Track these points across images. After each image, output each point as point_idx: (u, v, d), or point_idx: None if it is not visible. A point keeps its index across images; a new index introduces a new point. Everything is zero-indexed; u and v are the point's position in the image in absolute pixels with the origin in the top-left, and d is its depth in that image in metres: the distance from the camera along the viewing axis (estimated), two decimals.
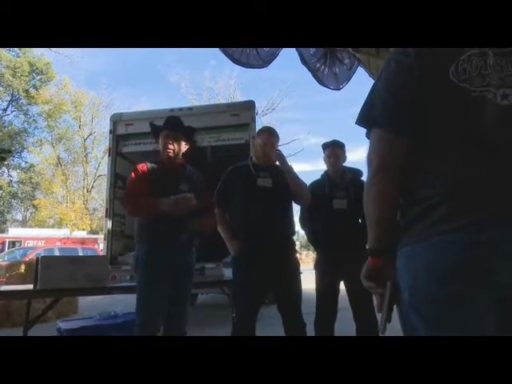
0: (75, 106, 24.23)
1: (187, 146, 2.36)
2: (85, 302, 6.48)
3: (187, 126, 2.36)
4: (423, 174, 0.88)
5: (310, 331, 2.49)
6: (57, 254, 9.30)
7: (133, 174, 2.27)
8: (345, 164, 2.83)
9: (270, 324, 3.73)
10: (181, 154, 2.31)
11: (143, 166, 2.30)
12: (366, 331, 2.53)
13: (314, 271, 2.74)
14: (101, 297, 5.67)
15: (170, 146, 2.24)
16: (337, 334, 2.68)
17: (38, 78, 22.93)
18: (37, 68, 22.40)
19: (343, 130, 35.28)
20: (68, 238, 16.33)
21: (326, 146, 2.77)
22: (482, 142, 0.83)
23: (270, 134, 2.49)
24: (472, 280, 0.77)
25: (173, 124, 2.27)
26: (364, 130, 0.98)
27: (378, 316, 0.99)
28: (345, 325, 2.82)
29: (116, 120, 5.19)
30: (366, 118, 0.94)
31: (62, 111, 23.76)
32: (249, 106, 4.92)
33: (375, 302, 0.97)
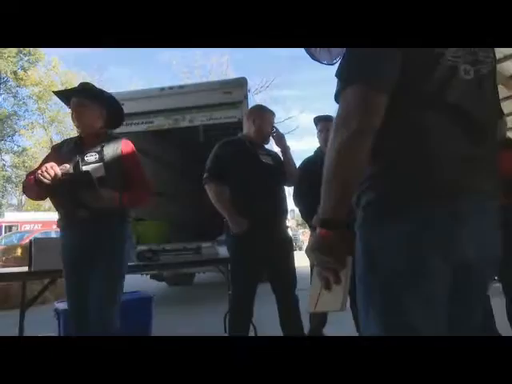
0: (65, 87, 23.77)
1: (102, 114, 2.03)
2: None
3: (99, 89, 2.11)
4: (394, 141, 0.85)
5: (303, 306, 2.54)
6: (54, 236, 9.34)
7: (47, 155, 2.06)
8: None
9: (263, 301, 3.82)
10: (94, 122, 1.99)
11: (56, 145, 2.15)
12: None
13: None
14: None
15: (76, 115, 1.97)
16: None
17: (26, 58, 22.35)
18: (24, 48, 21.82)
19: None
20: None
21: (318, 121, 2.74)
22: (457, 111, 0.82)
23: (267, 111, 2.47)
24: (435, 246, 0.80)
25: (80, 89, 2.01)
26: None
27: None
28: None
29: None
30: (348, 74, 0.85)
31: (52, 93, 23.31)
32: (241, 83, 4.84)
33: (319, 278, 0.87)
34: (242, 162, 2.31)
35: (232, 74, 20.89)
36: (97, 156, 1.96)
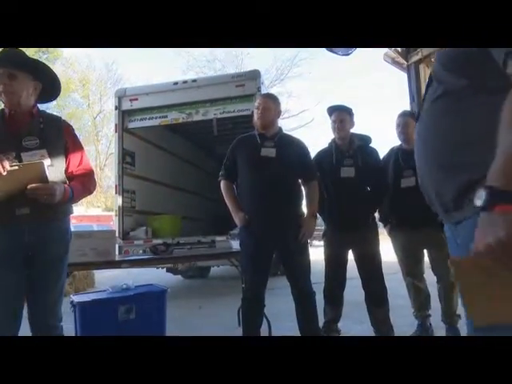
0: (83, 85, 24.12)
1: (37, 87, 1.74)
2: (101, 276, 6.67)
3: (31, 58, 1.76)
4: None
5: (320, 300, 2.51)
6: (74, 230, 9.50)
7: None
8: (354, 131, 2.74)
9: (278, 294, 3.80)
10: (27, 97, 1.69)
11: None
12: (373, 299, 2.54)
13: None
14: (117, 271, 5.82)
15: (5, 88, 1.64)
16: (346, 302, 2.69)
17: (45, 56, 22.76)
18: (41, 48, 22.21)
19: (356, 98, 34.30)
20: (84, 216, 16.65)
21: (331, 111, 2.67)
22: None
23: (264, 97, 2.42)
24: None
25: (7, 58, 1.64)
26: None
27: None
28: (354, 293, 2.84)
29: (120, 96, 5.14)
30: None
31: (70, 90, 23.68)
32: (254, 75, 4.80)
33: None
34: (246, 158, 2.34)
35: (247, 67, 20.83)
36: (37, 141, 1.67)
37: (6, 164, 1.49)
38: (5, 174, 1.49)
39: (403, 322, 2.78)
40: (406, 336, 2.49)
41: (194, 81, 5.13)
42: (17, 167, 1.52)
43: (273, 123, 2.37)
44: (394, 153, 2.72)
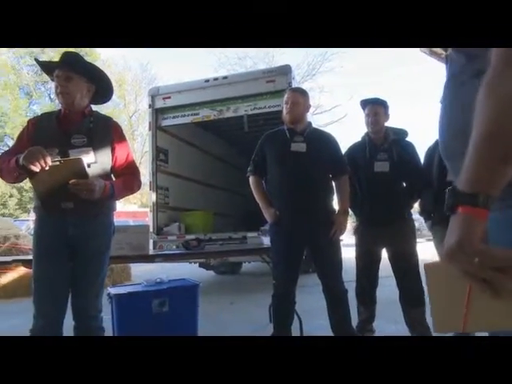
0: (119, 85, 24.90)
1: (90, 89, 1.83)
2: (137, 270, 6.88)
3: (87, 62, 1.87)
4: None
5: (352, 298, 2.46)
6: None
7: (22, 130, 1.83)
8: (388, 124, 2.65)
9: (309, 291, 3.76)
10: (80, 98, 1.78)
11: (34, 120, 1.84)
12: (409, 299, 2.45)
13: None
14: (152, 265, 5.99)
15: (62, 89, 1.74)
16: (379, 300, 2.62)
17: None
18: (81, 50, 23.13)
19: (391, 92, 33.22)
20: (121, 212, 17.26)
21: (365, 104, 2.59)
22: None
23: (292, 91, 2.39)
24: None
25: (67, 61, 1.76)
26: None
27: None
28: (388, 292, 2.76)
29: (154, 94, 5.25)
30: None
31: (35, 61, 24.46)
32: (285, 70, 4.75)
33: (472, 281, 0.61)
34: (275, 153, 2.32)
35: (278, 64, 20.68)
36: (85, 139, 1.75)
37: (48, 159, 1.56)
38: (47, 168, 1.56)
39: None
40: (443, 336, 2.38)
41: (225, 78, 5.15)
42: (58, 163, 1.59)
43: (302, 118, 2.34)
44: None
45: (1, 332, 3.19)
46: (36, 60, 1.91)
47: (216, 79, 5.11)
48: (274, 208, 2.28)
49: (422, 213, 2.68)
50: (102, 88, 1.88)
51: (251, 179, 2.41)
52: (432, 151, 2.60)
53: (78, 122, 1.80)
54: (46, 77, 1.91)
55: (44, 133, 1.74)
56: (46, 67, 1.85)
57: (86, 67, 1.82)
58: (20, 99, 20.64)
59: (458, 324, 0.65)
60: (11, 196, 20.20)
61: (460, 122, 0.75)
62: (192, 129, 5.91)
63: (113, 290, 2.50)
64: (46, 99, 21.83)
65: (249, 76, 5.16)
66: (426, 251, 2.69)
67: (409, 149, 2.58)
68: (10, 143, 17.81)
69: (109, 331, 2.26)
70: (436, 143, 2.63)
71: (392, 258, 2.53)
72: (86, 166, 1.64)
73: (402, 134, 2.69)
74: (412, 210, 2.67)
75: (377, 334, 2.64)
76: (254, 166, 2.42)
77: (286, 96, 2.36)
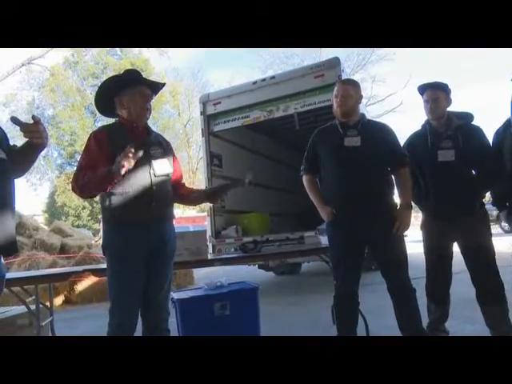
0: (173, 96, 26.01)
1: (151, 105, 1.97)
2: (199, 273, 7.10)
3: (150, 80, 1.97)
4: None
5: (422, 297, 2.30)
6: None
7: (88, 144, 1.82)
8: (451, 109, 2.43)
9: (373, 290, 3.59)
10: (149, 113, 1.91)
11: (101, 133, 1.86)
12: (486, 295, 2.23)
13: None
14: (212, 268, 6.14)
15: (147, 106, 1.86)
16: (453, 299, 2.42)
17: None
18: (137, 66, 24.52)
19: (452, 73, 30.80)
20: (181, 218, 17.99)
21: (423, 90, 2.40)
22: None
23: (342, 84, 2.27)
24: None
25: (145, 81, 1.88)
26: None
27: None
28: (463, 289, 2.54)
29: (204, 101, 5.38)
30: None
31: (162, 102, 25.73)
32: (333, 63, 4.62)
33: None
34: (328, 149, 2.23)
35: (326, 58, 20.24)
36: (161, 150, 1.88)
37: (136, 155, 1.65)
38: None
39: None
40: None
41: (273, 77, 5.13)
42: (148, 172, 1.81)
43: (354, 110, 2.22)
44: None
45: (79, 336, 3.45)
46: (129, 71, 1.92)
47: (263, 80, 5.12)
48: (329, 206, 2.20)
49: (495, 202, 2.43)
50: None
51: (304, 178, 2.35)
52: (501, 135, 2.35)
53: (147, 134, 1.91)
54: None
55: (119, 144, 1.74)
56: (120, 83, 1.85)
57: (156, 86, 1.95)
58: (86, 118, 22.38)
59: None
60: (84, 208, 21.95)
61: None
62: (243, 132, 5.96)
63: (176, 295, 2.58)
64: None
65: (296, 73, 5.09)
66: (502, 244, 2.43)
67: (476, 133, 2.35)
68: None
69: (174, 334, 2.33)
70: (506, 125, 2.37)
71: (465, 253, 2.32)
72: (169, 178, 1.88)
73: (467, 117, 2.46)
74: (484, 200, 2.43)
75: (451, 335, 2.44)
76: (306, 165, 2.35)
77: (335, 89, 2.27)
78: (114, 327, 1.76)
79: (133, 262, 1.77)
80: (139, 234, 1.78)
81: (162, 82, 2.00)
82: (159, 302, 1.87)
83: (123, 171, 1.64)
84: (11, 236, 1.12)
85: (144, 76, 1.94)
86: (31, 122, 1.27)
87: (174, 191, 1.95)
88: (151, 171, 1.81)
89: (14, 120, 1.25)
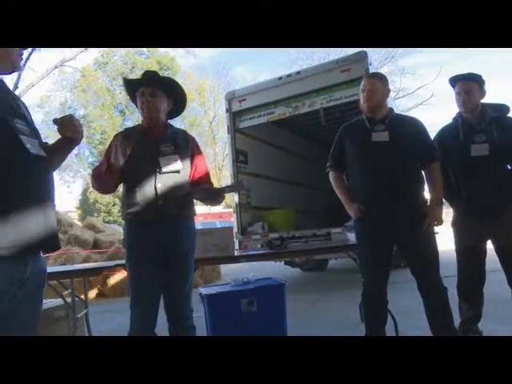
0: (199, 93, 26.29)
1: (169, 104, 1.96)
2: (227, 269, 7.18)
3: (166, 77, 2.03)
4: None
5: (453, 296, 2.23)
6: (199, 227, 10.49)
7: (108, 145, 1.96)
8: (485, 101, 2.34)
9: (402, 288, 3.51)
10: (163, 112, 1.92)
11: (120, 134, 1.98)
12: None
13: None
14: (239, 264, 6.20)
15: (148, 104, 1.88)
16: (487, 298, 2.33)
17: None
18: (164, 65, 24.91)
19: (485, 64, 29.48)
20: (208, 214, 18.22)
21: (455, 82, 2.32)
22: None
23: (368, 78, 2.22)
24: None
25: (149, 78, 1.91)
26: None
27: None
28: (498, 288, 2.45)
29: (230, 98, 5.41)
30: None
31: (189, 100, 26.00)
32: (360, 57, 4.52)
33: None
34: (355, 145, 2.19)
35: (352, 51, 19.82)
36: (172, 147, 1.88)
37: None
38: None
39: None
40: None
41: (298, 73, 5.09)
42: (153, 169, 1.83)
43: (381, 104, 2.17)
44: None
45: (111, 328, 3.57)
46: (124, 79, 2.07)
47: (289, 76, 5.08)
48: (357, 203, 2.16)
49: None
50: (178, 102, 2.01)
51: (331, 175, 2.32)
52: None
53: (162, 133, 1.94)
54: None
55: (133, 143, 1.86)
56: (131, 85, 2.00)
57: (168, 83, 1.96)
58: (115, 117, 23.01)
59: None
60: (114, 204, 22.62)
61: None
62: (269, 128, 5.96)
63: (204, 291, 2.62)
64: (137, 115, 23.95)
65: (322, 68, 5.02)
66: None
67: None
68: None
69: (203, 329, 2.38)
70: None
71: (500, 251, 2.23)
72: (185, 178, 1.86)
73: (502, 109, 2.36)
74: None
75: (484, 335, 2.36)
76: (333, 161, 2.31)
77: (362, 83, 2.22)
78: (132, 324, 1.83)
79: (141, 260, 1.82)
80: (146, 232, 1.82)
81: (157, 75, 1.95)
82: (180, 301, 1.89)
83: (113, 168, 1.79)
84: (54, 232, 1.16)
85: (168, 75, 1.99)
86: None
87: (194, 188, 1.93)
88: (157, 169, 1.83)
89: (56, 121, 1.30)
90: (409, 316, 2.78)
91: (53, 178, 1.25)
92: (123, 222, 1.97)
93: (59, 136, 1.31)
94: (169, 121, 2.02)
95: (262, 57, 40.39)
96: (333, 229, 4.64)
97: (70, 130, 1.28)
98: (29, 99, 21.08)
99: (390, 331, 2.34)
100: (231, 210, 5.65)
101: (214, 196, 1.98)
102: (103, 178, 1.87)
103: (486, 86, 2.32)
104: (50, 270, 3.07)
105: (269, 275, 3.02)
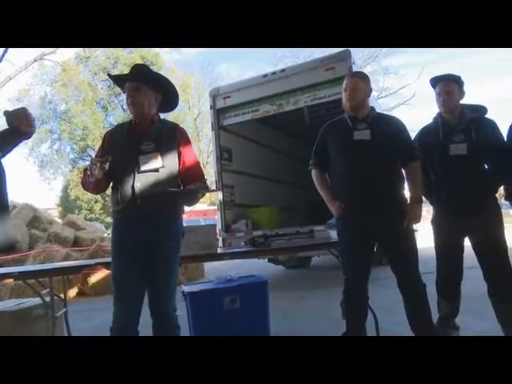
0: (183, 90, 26.03)
1: (157, 99, 1.91)
2: (210, 266, 7.14)
3: (154, 72, 1.98)
4: None
5: (431, 292, 2.28)
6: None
7: (99, 146, 1.98)
8: (464, 102, 2.39)
9: (383, 285, 3.57)
10: (149, 108, 1.87)
11: (109, 132, 1.99)
12: (499, 293, 2.20)
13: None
14: (223, 261, 6.18)
15: (132, 100, 1.83)
16: (464, 294, 2.40)
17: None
18: (148, 60, 24.56)
19: (466, 66, 30.16)
20: (192, 211, 18.07)
21: (435, 82, 2.36)
22: None
23: (350, 77, 2.25)
24: None
25: (135, 73, 1.87)
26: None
27: None
28: (474, 284, 2.51)
29: (214, 95, 5.38)
30: None
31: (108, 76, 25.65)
32: (344, 56, 4.56)
33: None
34: (337, 143, 2.21)
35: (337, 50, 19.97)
36: (153, 145, 1.83)
37: (104, 166, 1.68)
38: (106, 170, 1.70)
39: None
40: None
41: (283, 71, 5.10)
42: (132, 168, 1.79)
43: (363, 103, 2.19)
44: None
45: (91, 327, 3.52)
46: (109, 75, 2.04)
47: (274, 73, 5.09)
48: (339, 201, 2.19)
49: (507, 196, 2.39)
50: (168, 96, 1.96)
51: (313, 172, 2.34)
52: None
53: (147, 129, 1.89)
54: (118, 89, 2.12)
55: (117, 142, 1.89)
56: (118, 80, 1.98)
57: (154, 78, 1.91)
58: (97, 113, 22.56)
59: None
60: (96, 202, 22.23)
61: None
62: (253, 125, 5.95)
63: (186, 288, 2.61)
64: (120, 110, 23.57)
65: (306, 66, 5.04)
66: None
67: (489, 127, 2.31)
68: (93, 154, 19.59)
69: (185, 327, 2.36)
70: None
71: (477, 248, 2.29)
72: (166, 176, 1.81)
73: (480, 110, 2.42)
74: (497, 195, 2.39)
75: (462, 330, 2.42)
76: (315, 159, 2.33)
77: (344, 82, 2.25)
78: (114, 318, 1.81)
79: (123, 257, 1.83)
80: (127, 230, 1.83)
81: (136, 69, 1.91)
82: (164, 298, 1.86)
83: (92, 179, 1.71)
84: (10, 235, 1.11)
85: (154, 70, 1.96)
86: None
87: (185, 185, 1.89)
88: (136, 168, 1.81)
89: (6, 112, 1.25)
90: (390, 312, 2.83)
91: (4, 175, 1.20)
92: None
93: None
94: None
95: (247, 54, 40.33)
96: (316, 226, 4.68)
97: (22, 123, 1.24)
98: (6, 93, 20.53)
99: (370, 327, 2.37)
100: (215, 207, 5.63)
101: (184, 197, 1.91)
102: (91, 187, 1.88)
103: (466, 87, 2.37)
104: (28, 268, 3.00)
105: (252, 273, 3.02)
